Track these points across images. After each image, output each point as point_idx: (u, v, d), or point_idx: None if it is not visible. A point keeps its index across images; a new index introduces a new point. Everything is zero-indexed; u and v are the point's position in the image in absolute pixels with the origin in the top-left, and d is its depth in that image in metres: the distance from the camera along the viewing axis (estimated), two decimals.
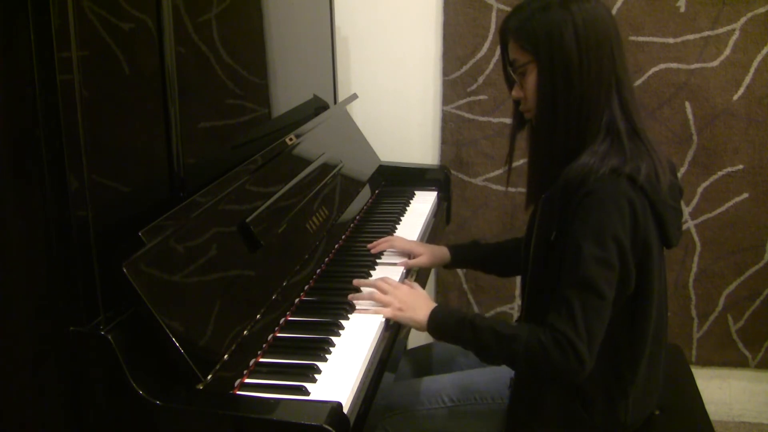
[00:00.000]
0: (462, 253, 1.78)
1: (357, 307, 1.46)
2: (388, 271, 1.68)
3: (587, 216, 1.26)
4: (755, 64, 2.25)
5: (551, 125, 1.35)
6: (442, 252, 1.76)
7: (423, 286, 1.68)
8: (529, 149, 1.47)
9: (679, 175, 2.34)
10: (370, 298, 1.47)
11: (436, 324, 1.40)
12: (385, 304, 1.45)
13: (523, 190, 2.39)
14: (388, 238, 1.81)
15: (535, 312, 1.40)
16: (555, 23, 1.30)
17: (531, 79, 1.35)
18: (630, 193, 1.27)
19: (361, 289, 1.54)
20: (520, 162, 2.27)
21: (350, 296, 1.50)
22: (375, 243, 1.77)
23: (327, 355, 1.29)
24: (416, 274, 1.76)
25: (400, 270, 1.70)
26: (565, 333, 1.24)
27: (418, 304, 1.44)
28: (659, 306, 1.39)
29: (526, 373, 1.39)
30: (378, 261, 1.72)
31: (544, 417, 1.43)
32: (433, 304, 1.44)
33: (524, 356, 1.28)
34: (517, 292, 2.53)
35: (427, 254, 1.75)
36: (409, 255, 1.75)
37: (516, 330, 1.31)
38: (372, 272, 1.66)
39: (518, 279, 2.50)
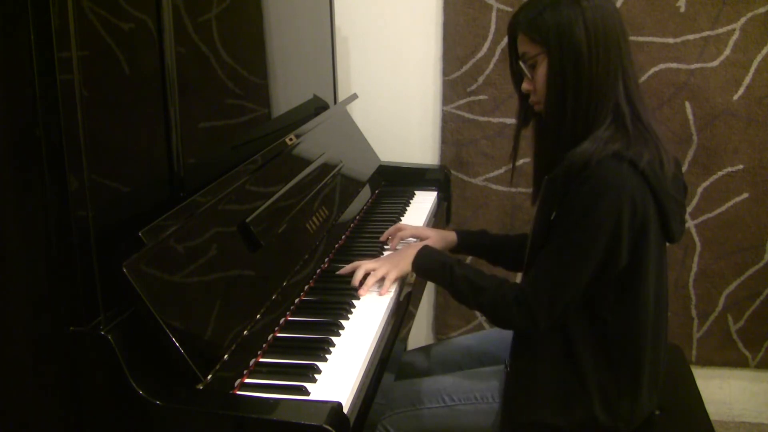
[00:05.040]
0: (469, 239, 1.81)
1: (354, 283, 1.54)
2: None
3: (584, 197, 1.30)
4: (755, 64, 2.25)
5: (560, 114, 1.38)
6: (449, 236, 1.80)
7: None
8: (535, 141, 1.52)
9: None
10: (363, 269, 1.56)
11: (419, 263, 1.55)
12: (375, 269, 1.55)
13: (523, 190, 2.42)
14: (397, 225, 1.85)
15: None
16: (565, 17, 1.34)
17: (541, 71, 1.38)
18: (630, 178, 1.30)
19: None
20: (519, 162, 2.26)
21: (340, 270, 1.61)
22: (386, 233, 1.84)
23: (327, 355, 1.29)
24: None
25: None
26: (526, 295, 1.37)
27: (406, 252, 1.58)
28: (658, 300, 1.39)
29: (492, 322, 1.51)
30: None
31: (540, 401, 1.43)
32: (423, 244, 1.59)
33: (489, 308, 1.43)
34: None
35: (432, 238, 1.78)
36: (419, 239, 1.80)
37: (486, 283, 1.44)
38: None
39: (519, 280, 2.50)
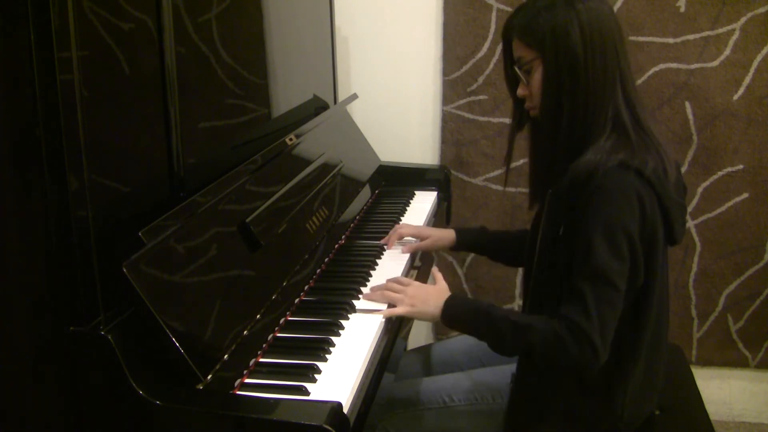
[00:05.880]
0: (468, 237, 1.80)
1: (368, 307, 1.47)
2: (393, 258, 1.74)
3: (597, 210, 1.27)
4: (755, 64, 2.25)
5: (556, 120, 1.36)
6: (449, 234, 1.80)
7: (428, 267, 1.72)
8: (530, 147, 1.50)
9: None
10: (382, 297, 1.49)
11: (450, 314, 1.41)
12: (395, 302, 1.45)
13: (522, 190, 2.42)
14: (396, 227, 1.85)
15: (539, 308, 1.40)
16: (560, 21, 1.32)
17: (537, 76, 1.37)
18: (638, 187, 1.28)
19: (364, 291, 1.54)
20: (519, 162, 2.27)
21: (363, 296, 1.52)
22: (386, 237, 1.83)
23: (327, 355, 1.29)
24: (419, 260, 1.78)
25: (405, 257, 1.75)
26: (579, 325, 1.25)
27: (429, 296, 1.45)
28: (660, 300, 1.39)
29: (541, 364, 1.38)
30: (378, 260, 1.73)
31: (545, 413, 1.43)
32: (446, 295, 1.44)
33: (540, 347, 1.29)
34: (518, 291, 2.53)
35: (432, 237, 1.78)
36: (419, 239, 1.80)
37: (532, 320, 1.32)
38: (372, 272, 1.66)
39: (519, 279, 2.50)
